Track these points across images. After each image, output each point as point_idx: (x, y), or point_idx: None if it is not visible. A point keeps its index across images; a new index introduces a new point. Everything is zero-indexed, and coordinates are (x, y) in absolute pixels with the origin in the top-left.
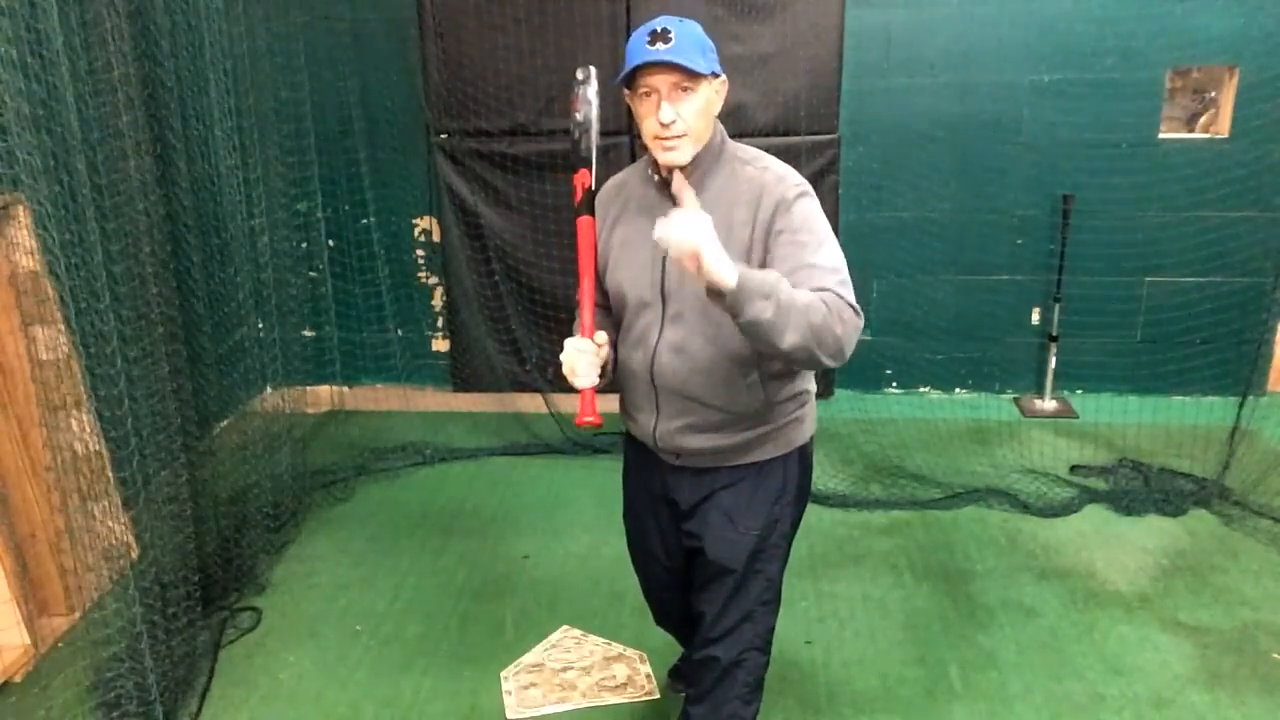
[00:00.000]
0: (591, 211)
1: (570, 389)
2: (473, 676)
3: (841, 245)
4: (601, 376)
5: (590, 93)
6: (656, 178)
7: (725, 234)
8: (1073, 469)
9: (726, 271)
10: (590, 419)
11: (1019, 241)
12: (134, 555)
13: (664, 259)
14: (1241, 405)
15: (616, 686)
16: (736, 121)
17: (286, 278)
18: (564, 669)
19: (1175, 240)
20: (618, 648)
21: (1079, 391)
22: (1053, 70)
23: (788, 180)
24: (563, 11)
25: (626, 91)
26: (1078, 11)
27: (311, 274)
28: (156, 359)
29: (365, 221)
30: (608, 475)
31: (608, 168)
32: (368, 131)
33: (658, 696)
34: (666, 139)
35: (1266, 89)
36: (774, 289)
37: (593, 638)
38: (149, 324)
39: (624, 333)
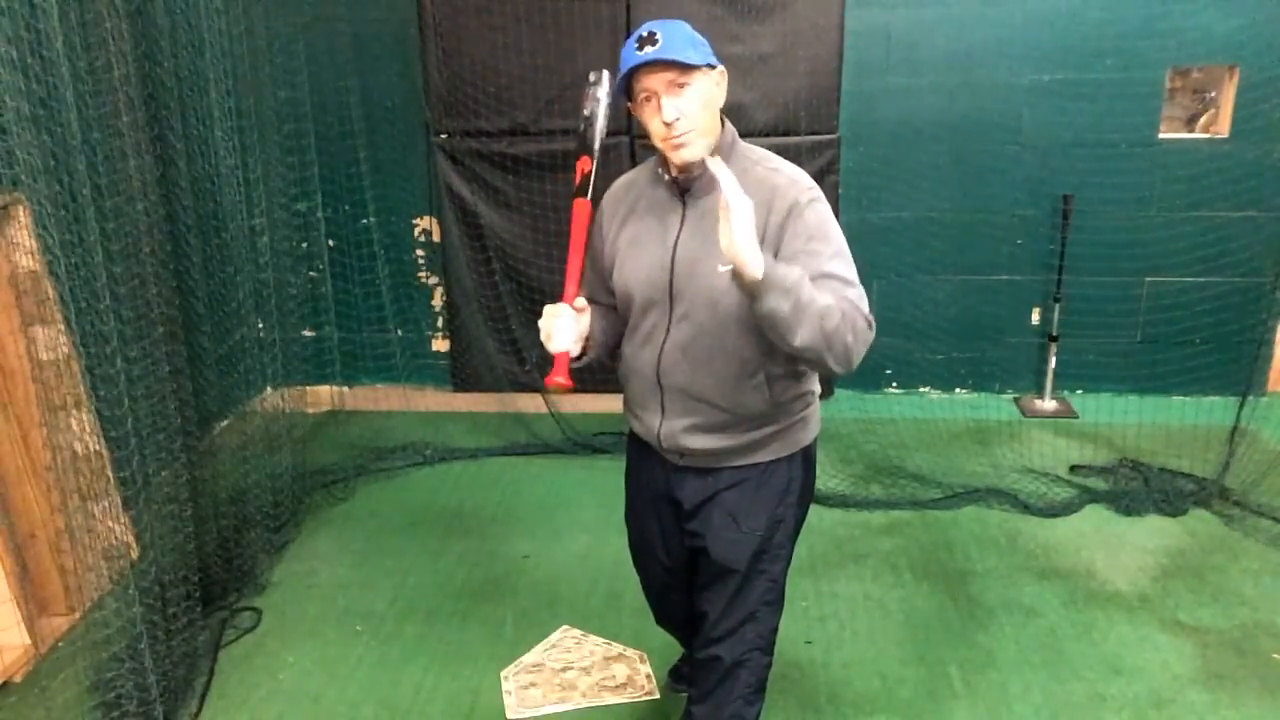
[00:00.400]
0: (587, 195)
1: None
2: (473, 676)
3: None
4: (582, 355)
5: (600, 92)
6: (667, 177)
7: None
8: (1073, 469)
9: (755, 261)
10: (560, 379)
11: (1019, 241)
12: (134, 555)
13: (673, 258)
14: (1241, 405)
15: (616, 686)
16: (736, 121)
17: (286, 278)
18: (564, 669)
19: (1175, 240)
20: (618, 648)
21: (1079, 391)
22: (1053, 70)
23: (800, 183)
24: (563, 11)
25: (630, 104)
26: (1078, 11)
27: (311, 274)
28: (156, 359)
29: (365, 221)
30: (608, 475)
31: (607, 167)
32: (368, 131)
33: (658, 696)
34: (674, 137)
35: (1266, 89)
36: (795, 287)
37: (593, 638)
38: (149, 324)
39: (630, 332)
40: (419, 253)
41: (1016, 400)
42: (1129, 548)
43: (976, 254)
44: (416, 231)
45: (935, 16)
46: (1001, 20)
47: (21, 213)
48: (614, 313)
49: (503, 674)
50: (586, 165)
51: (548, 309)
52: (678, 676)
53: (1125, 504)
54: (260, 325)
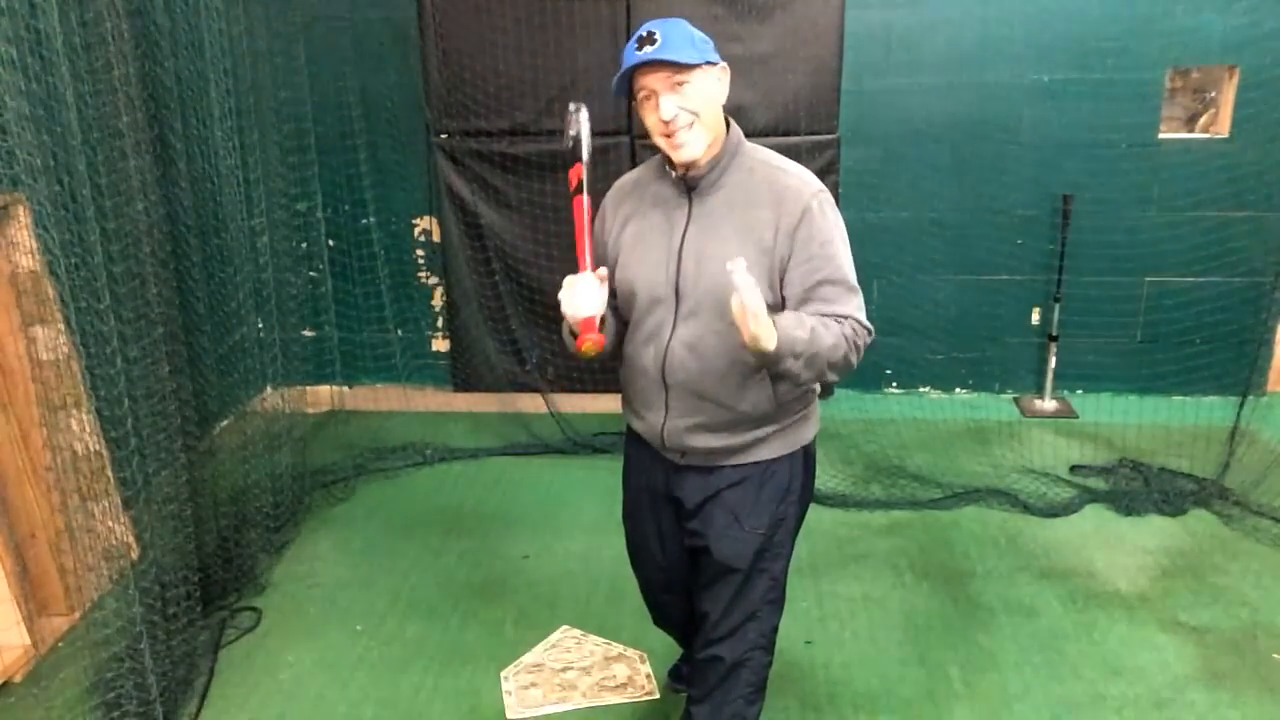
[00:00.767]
0: (584, 192)
1: (570, 389)
2: (473, 676)
3: None
4: (600, 328)
5: (581, 118)
6: (674, 174)
7: (745, 232)
8: (1073, 469)
9: (769, 336)
10: (592, 337)
11: (1019, 241)
12: (134, 555)
13: (679, 254)
14: (1241, 405)
15: (616, 686)
16: (737, 122)
17: (286, 278)
18: (564, 669)
19: (1175, 240)
20: (618, 648)
21: (1079, 391)
22: (1053, 70)
23: (810, 185)
24: (563, 11)
25: (633, 102)
26: (1078, 11)
27: (311, 274)
28: (156, 359)
29: (365, 221)
30: (608, 475)
31: (607, 167)
32: (368, 131)
33: (658, 696)
34: (673, 135)
35: (1266, 89)
36: (805, 348)
37: (593, 638)
38: (149, 324)
39: (633, 330)
40: (419, 253)
41: (1016, 400)
42: (1129, 548)
43: (976, 254)
44: (416, 231)
45: (935, 16)
46: (1001, 20)
47: (21, 213)
48: (614, 315)
49: (503, 674)
50: (580, 171)
51: (568, 279)
52: (677, 676)
53: (1125, 504)
54: (260, 325)
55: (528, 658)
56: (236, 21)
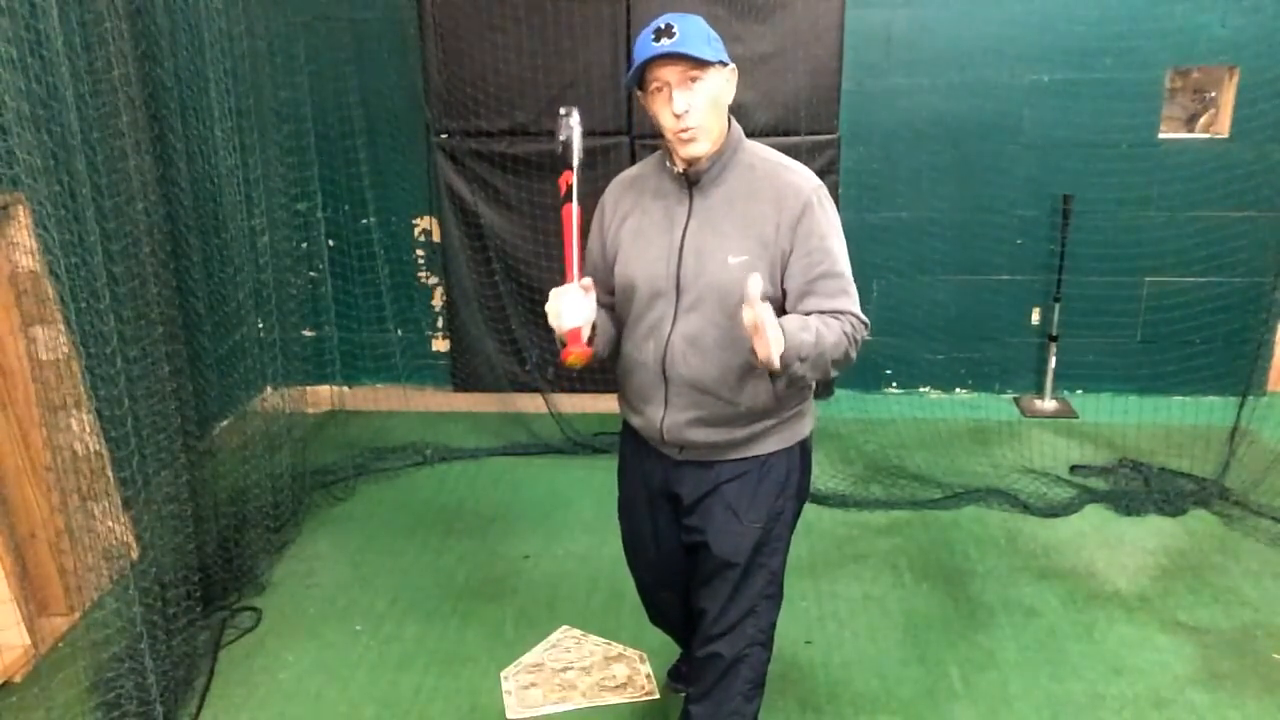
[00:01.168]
0: (573, 200)
1: (570, 389)
2: (473, 676)
3: None
4: (592, 340)
5: (572, 121)
6: (676, 170)
7: (746, 226)
8: (1073, 469)
9: (777, 346)
10: (578, 349)
11: (1019, 241)
12: (134, 555)
13: (680, 248)
14: (1241, 405)
15: (616, 686)
16: (736, 121)
17: (286, 278)
18: (564, 669)
19: (1175, 240)
20: (618, 648)
21: (1079, 391)
22: (1053, 70)
23: (809, 180)
24: (563, 11)
25: (639, 94)
26: (1078, 11)
27: (311, 274)
28: (156, 359)
29: (365, 221)
30: (608, 475)
31: (607, 168)
32: (368, 131)
33: (658, 696)
34: (683, 130)
35: (1266, 89)
36: (811, 350)
37: (593, 638)
38: (149, 324)
39: (632, 325)
40: (419, 253)
41: (1016, 400)
42: (1129, 548)
43: (976, 254)
44: (416, 231)
45: (935, 16)
46: (1001, 20)
47: (21, 213)
48: (610, 314)
49: (503, 674)
50: (569, 178)
51: (554, 291)
52: (677, 676)
53: (1125, 504)
54: (260, 325)
55: (528, 658)
56: (236, 21)
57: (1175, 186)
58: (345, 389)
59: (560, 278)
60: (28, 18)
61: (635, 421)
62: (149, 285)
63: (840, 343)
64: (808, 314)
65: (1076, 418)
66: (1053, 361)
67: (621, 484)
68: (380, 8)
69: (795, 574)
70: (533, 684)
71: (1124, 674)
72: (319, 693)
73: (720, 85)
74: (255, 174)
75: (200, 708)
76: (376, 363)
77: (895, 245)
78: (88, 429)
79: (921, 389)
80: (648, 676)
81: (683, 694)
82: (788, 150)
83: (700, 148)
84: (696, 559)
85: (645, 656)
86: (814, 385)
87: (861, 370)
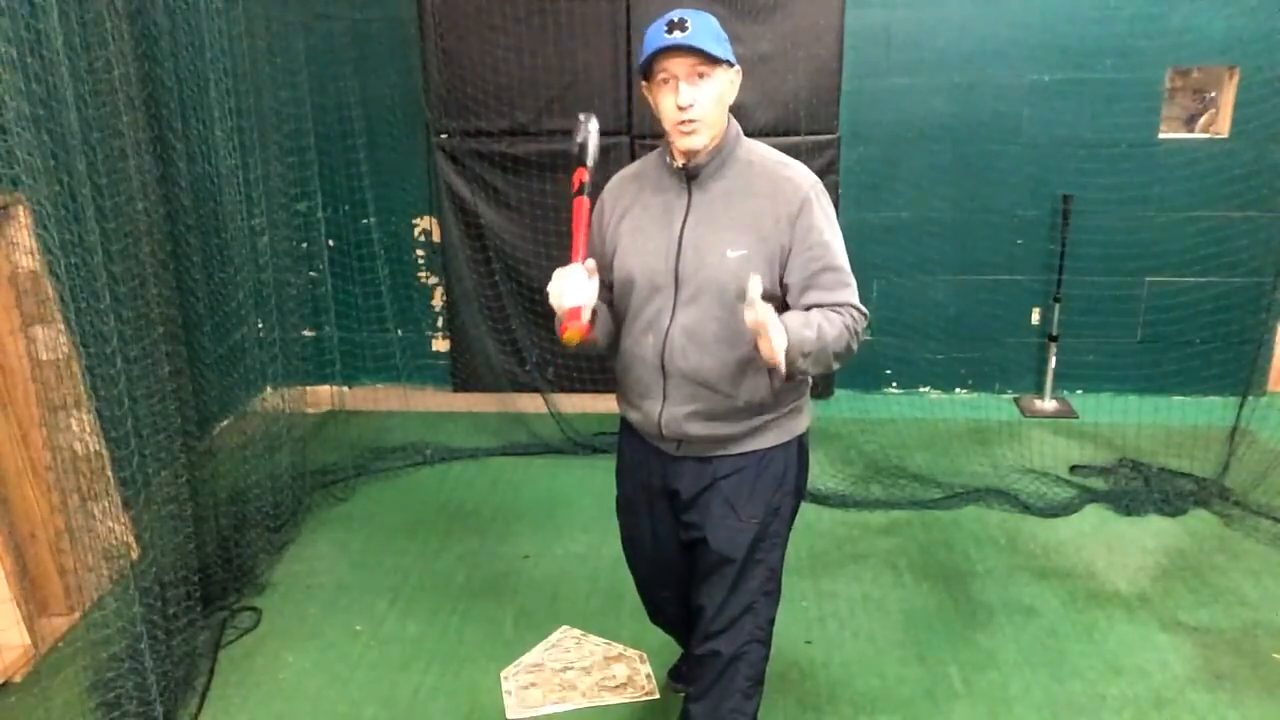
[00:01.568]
0: (585, 194)
1: (570, 389)
2: (473, 676)
3: None
4: (591, 324)
5: (590, 126)
6: (676, 164)
7: (744, 221)
8: (1073, 469)
9: (780, 343)
10: (576, 324)
11: (1019, 241)
12: (134, 555)
13: (679, 241)
14: (1241, 405)
15: (616, 686)
16: (736, 120)
17: (286, 278)
18: (564, 669)
19: (1175, 240)
20: (618, 648)
21: (1079, 391)
22: (1053, 70)
23: (807, 177)
24: (563, 11)
25: (644, 83)
26: (1078, 11)
27: (311, 274)
28: (156, 359)
29: (365, 221)
30: (608, 475)
31: (607, 167)
32: (368, 131)
33: (658, 696)
34: (685, 123)
35: (1266, 89)
36: (814, 346)
37: (593, 638)
38: (149, 324)
39: (631, 319)
40: (419, 253)
41: (1016, 400)
42: (1129, 548)
43: (976, 254)
44: (416, 231)
45: (935, 16)
46: (1001, 20)
47: (21, 213)
48: (608, 309)
49: (503, 674)
50: (583, 175)
51: (558, 271)
52: (677, 676)
53: (1125, 504)
54: (260, 325)
55: (528, 658)
56: (236, 21)
57: (1175, 186)
58: (345, 389)
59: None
60: (28, 18)
61: (633, 417)
62: (149, 285)
63: (842, 336)
64: (810, 307)
65: (1076, 418)
66: (1053, 361)
67: (620, 482)
68: (380, 8)
69: (795, 574)
70: (533, 684)
71: (1124, 674)
72: (319, 693)
73: (725, 84)
74: (255, 174)
75: (200, 708)
76: (376, 363)
77: (895, 245)
78: (88, 429)
79: (921, 389)
80: (648, 676)
81: (683, 694)
82: (788, 150)
83: (698, 141)
84: (695, 556)
85: (645, 656)
86: (811, 381)
87: (861, 370)
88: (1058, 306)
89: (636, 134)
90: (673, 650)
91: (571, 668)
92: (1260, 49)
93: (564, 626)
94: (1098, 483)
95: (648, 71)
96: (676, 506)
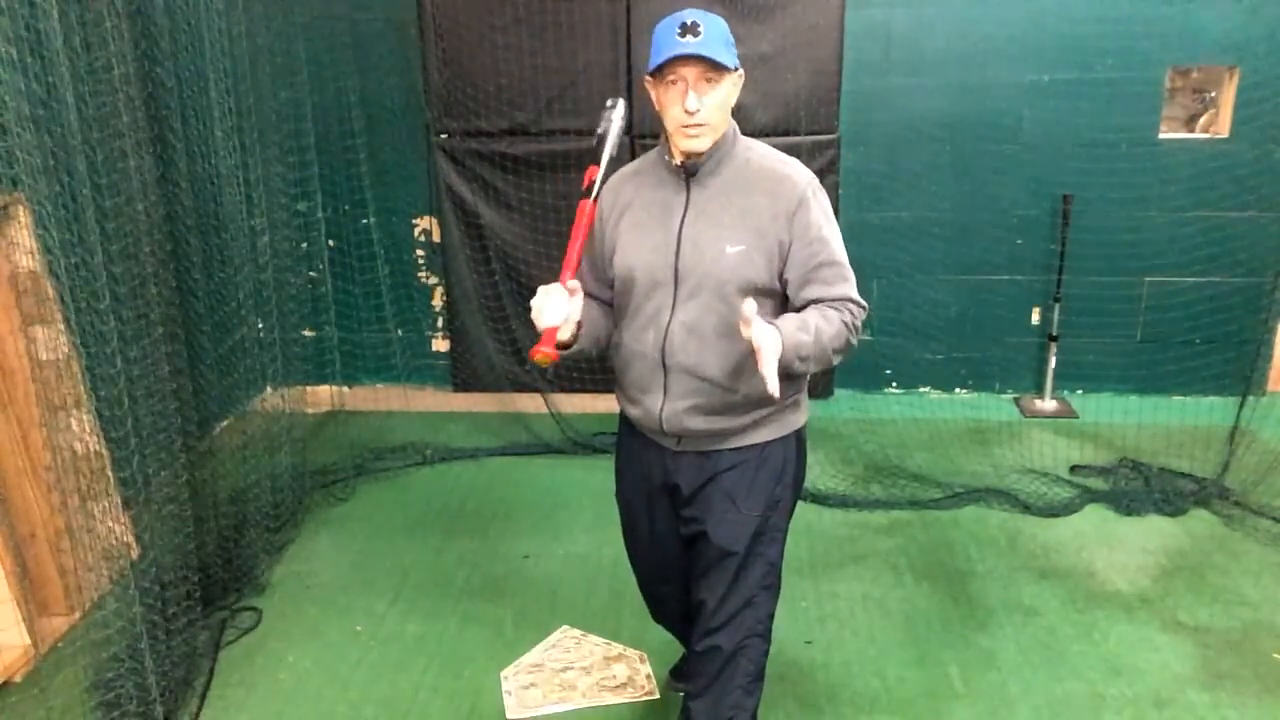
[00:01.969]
0: (592, 197)
1: (570, 389)
2: (473, 676)
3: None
4: (571, 344)
5: (615, 115)
6: (675, 162)
7: (743, 217)
8: (1073, 469)
9: (774, 354)
10: (546, 349)
11: (1019, 241)
12: (134, 555)
13: (679, 237)
14: (1241, 405)
15: (616, 686)
16: (737, 121)
17: (286, 278)
18: (564, 669)
19: (1175, 240)
20: (618, 648)
21: (1079, 391)
22: (1053, 70)
23: (805, 174)
24: (563, 11)
25: (649, 79)
26: (1078, 11)
27: (311, 274)
28: (156, 359)
29: (365, 221)
30: (608, 475)
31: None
32: (368, 131)
33: (658, 696)
34: (690, 126)
35: (1266, 89)
36: (811, 349)
37: (593, 638)
38: (149, 324)
39: (632, 316)
40: (419, 253)
41: (1016, 400)
42: (1129, 548)
43: (976, 254)
44: (416, 231)
45: (935, 16)
46: (1001, 20)
47: (21, 213)
48: (605, 309)
49: (503, 674)
50: (594, 173)
51: (541, 289)
52: (679, 675)
53: (1125, 504)
54: (260, 325)
55: (528, 658)
56: (236, 21)
57: (1175, 186)
58: (345, 389)
59: (558, 276)
60: (28, 18)
61: (634, 412)
62: (149, 285)
63: (840, 333)
64: (809, 301)
65: (1076, 418)
66: (1053, 361)
67: (620, 478)
68: (380, 8)
69: (795, 574)
70: (533, 684)
71: (1124, 674)
72: (319, 693)
73: (730, 89)
74: (255, 174)
75: (200, 708)
76: (376, 363)
77: (895, 245)
78: (88, 429)
79: (921, 389)
80: (648, 676)
81: (683, 694)
82: (788, 150)
83: (702, 144)
84: (695, 551)
85: (645, 656)
86: (809, 376)
87: (861, 370)
88: (1058, 306)
89: (637, 134)
90: (672, 650)
91: (571, 668)
92: (1260, 49)
93: (564, 626)
94: (1098, 483)
95: (657, 71)
96: (677, 502)
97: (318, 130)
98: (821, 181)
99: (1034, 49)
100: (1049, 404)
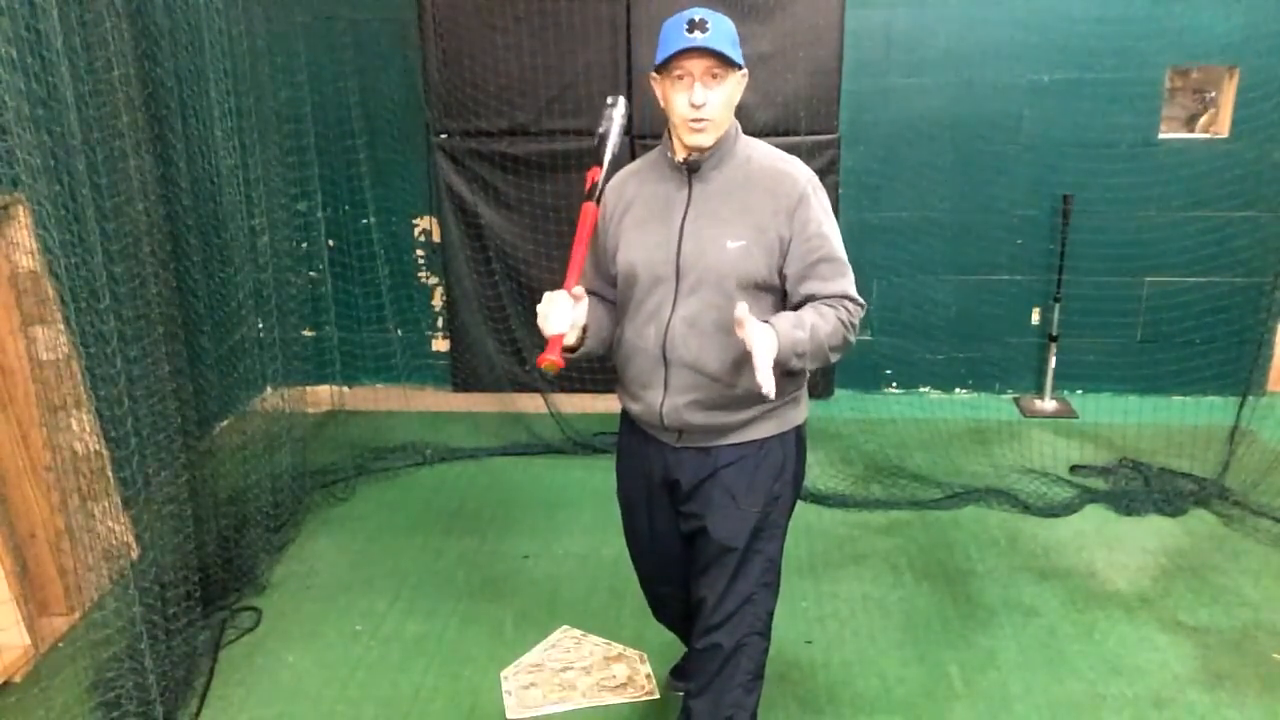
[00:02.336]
0: (594, 199)
1: (570, 389)
2: (473, 676)
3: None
4: (578, 346)
5: (616, 114)
6: (677, 159)
7: (743, 213)
8: (1073, 469)
9: (766, 367)
10: (552, 358)
11: (1019, 241)
12: (134, 555)
13: (680, 233)
14: (1241, 405)
15: (616, 686)
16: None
17: (286, 278)
18: (564, 669)
19: (1175, 240)
20: (618, 648)
21: (1079, 391)
22: (1053, 70)
23: (804, 171)
24: (563, 11)
25: (655, 75)
26: (1078, 11)
27: (311, 274)
28: (156, 359)
29: (365, 221)
30: (608, 475)
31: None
32: (368, 131)
33: (658, 696)
34: (696, 121)
35: (1266, 89)
36: (807, 346)
37: (593, 638)
38: (149, 324)
39: (633, 311)
40: (419, 253)
41: (1016, 400)
42: (1129, 548)
43: (976, 254)
44: (416, 231)
45: (935, 16)
46: (1001, 20)
47: (21, 213)
48: (610, 307)
49: (502, 674)
50: (596, 174)
51: (546, 295)
52: (680, 675)
53: (1125, 504)
54: (260, 325)
55: (527, 658)
56: (236, 21)
57: (1175, 186)
58: (345, 389)
59: (561, 279)
60: (28, 18)
61: (634, 408)
62: (149, 285)
63: (837, 330)
64: (808, 297)
65: (1076, 418)
66: (1053, 361)
67: (620, 476)
68: (380, 8)
69: (795, 574)
70: (533, 684)
71: (1124, 674)
72: (319, 693)
73: (735, 87)
74: (255, 174)
75: (200, 708)
76: (376, 363)
77: (895, 245)
78: (88, 429)
79: (921, 389)
80: (648, 676)
81: (683, 694)
82: (788, 150)
83: (706, 140)
84: (695, 547)
85: (645, 656)
86: (808, 373)
87: (861, 370)
88: (1058, 306)
89: (637, 134)
90: (672, 650)
91: (571, 668)
92: (1260, 49)
93: (564, 626)
94: (1098, 483)
95: (664, 66)
96: (677, 498)
97: (318, 130)
98: (821, 181)
99: (1034, 49)
100: (1049, 404)
